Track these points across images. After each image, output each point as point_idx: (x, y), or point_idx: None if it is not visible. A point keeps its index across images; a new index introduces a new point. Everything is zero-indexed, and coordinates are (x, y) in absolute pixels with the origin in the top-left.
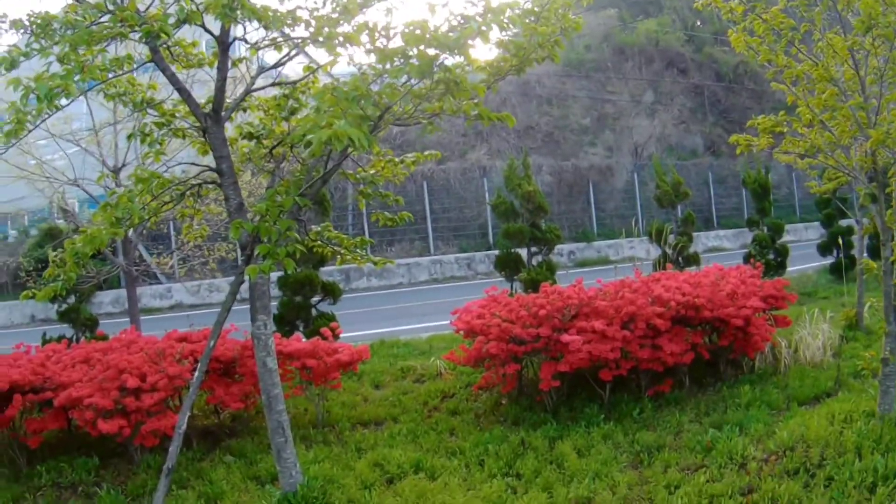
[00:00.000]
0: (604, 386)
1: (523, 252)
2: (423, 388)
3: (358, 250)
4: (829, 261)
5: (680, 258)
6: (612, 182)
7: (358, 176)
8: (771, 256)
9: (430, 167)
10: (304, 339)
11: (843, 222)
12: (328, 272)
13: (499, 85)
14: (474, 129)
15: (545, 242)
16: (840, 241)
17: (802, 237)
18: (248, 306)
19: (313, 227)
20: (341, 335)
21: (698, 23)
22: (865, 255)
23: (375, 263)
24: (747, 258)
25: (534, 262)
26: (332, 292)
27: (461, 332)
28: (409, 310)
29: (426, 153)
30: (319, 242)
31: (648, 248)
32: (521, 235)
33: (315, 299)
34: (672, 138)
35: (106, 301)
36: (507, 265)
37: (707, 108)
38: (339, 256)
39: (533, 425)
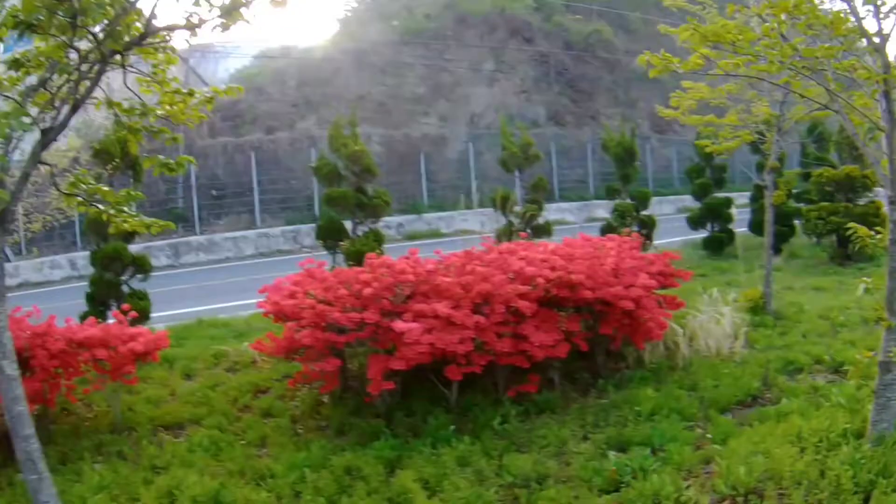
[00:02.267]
0: (449, 384)
1: (349, 224)
2: (235, 381)
3: (126, 210)
4: (700, 235)
5: (529, 228)
6: (445, 153)
7: (127, 107)
8: (635, 228)
9: (258, 137)
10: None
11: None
12: (159, 247)
13: None
14: (304, 98)
15: (372, 209)
16: (722, 212)
17: (656, 211)
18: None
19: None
20: (164, 314)
21: None
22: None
23: (149, 227)
24: (606, 230)
25: (359, 232)
26: (141, 267)
27: (271, 316)
28: (235, 285)
29: (226, 87)
30: (79, 198)
31: (483, 220)
32: (345, 201)
33: (125, 276)
34: (513, 108)
35: None
36: (330, 235)
37: (552, 78)
38: (108, 217)
39: (362, 437)
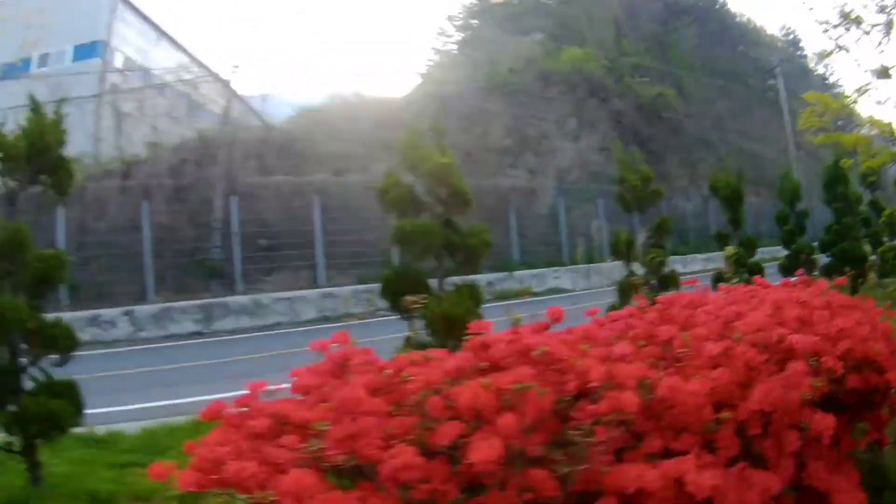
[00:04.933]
0: None
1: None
2: None
3: None
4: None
5: (654, 279)
6: (535, 207)
7: None
8: (746, 276)
9: (323, 178)
10: None
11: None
12: (183, 308)
13: None
14: (381, 141)
15: (467, 252)
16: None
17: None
18: None
19: None
20: (161, 403)
21: (618, 56)
22: None
23: None
24: (717, 279)
25: (447, 286)
26: (53, 343)
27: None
28: (278, 361)
29: None
30: None
31: (574, 277)
32: (427, 239)
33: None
34: (596, 165)
35: None
36: (403, 290)
37: (629, 138)
38: None
39: None
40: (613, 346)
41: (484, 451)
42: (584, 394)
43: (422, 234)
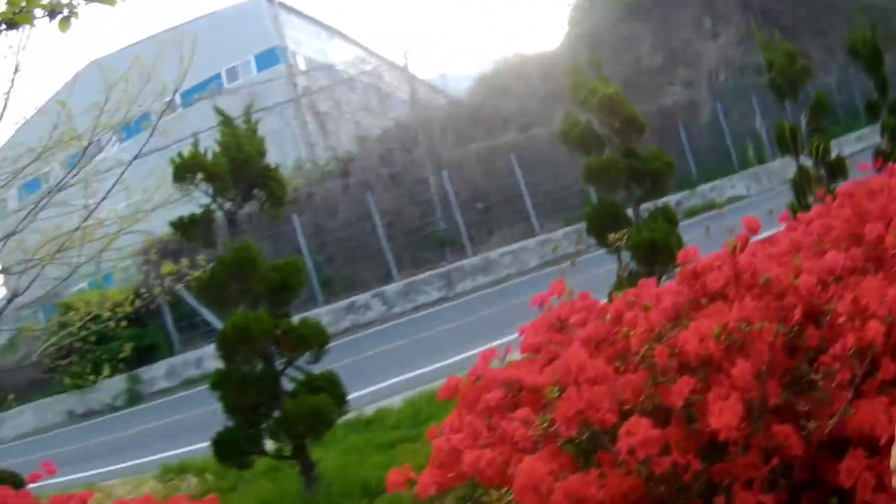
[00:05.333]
0: None
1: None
2: None
3: None
4: None
5: (822, 169)
6: (698, 118)
7: None
8: None
9: (513, 137)
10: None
11: None
12: (426, 280)
13: None
14: (550, 92)
15: (652, 177)
16: None
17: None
18: None
19: None
20: (419, 371)
21: None
22: None
23: None
24: (879, 156)
25: (642, 214)
26: (305, 342)
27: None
28: (513, 312)
29: None
30: None
31: (747, 183)
32: (612, 173)
33: (279, 361)
34: (737, 60)
35: (158, 376)
36: (604, 225)
37: (760, 20)
38: None
39: None
40: (824, 256)
41: (725, 416)
42: (809, 317)
43: (607, 168)
